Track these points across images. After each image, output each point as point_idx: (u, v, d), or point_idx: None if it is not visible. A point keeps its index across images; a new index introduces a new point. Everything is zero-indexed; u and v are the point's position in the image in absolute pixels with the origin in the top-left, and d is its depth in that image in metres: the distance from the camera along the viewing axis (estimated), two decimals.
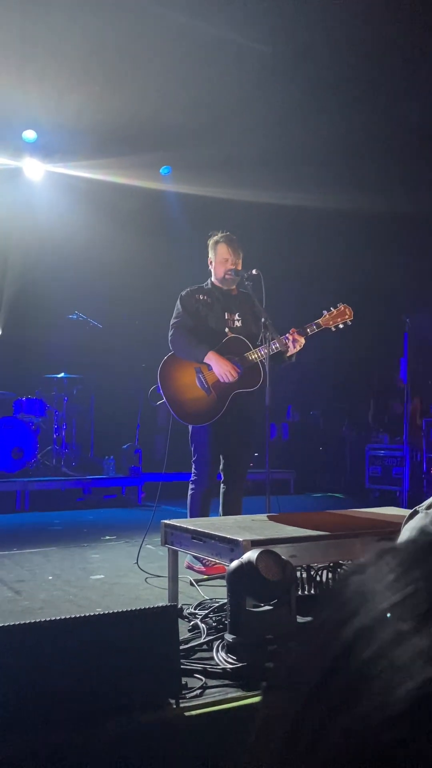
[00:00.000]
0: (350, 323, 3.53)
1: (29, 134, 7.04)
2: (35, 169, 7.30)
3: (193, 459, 3.68)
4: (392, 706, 0.26)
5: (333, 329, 3.54)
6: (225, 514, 3.63)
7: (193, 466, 3.68)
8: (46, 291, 7.25)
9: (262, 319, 3.52)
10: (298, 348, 3.50)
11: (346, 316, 3.53)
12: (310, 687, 0.30)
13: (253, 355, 3.54)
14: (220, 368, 3.49)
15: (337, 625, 0.31)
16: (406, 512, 1.83)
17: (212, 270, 3.75)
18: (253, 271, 3.59)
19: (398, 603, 0.30)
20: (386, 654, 0.28)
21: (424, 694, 0.26)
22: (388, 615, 0.29)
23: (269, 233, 7.32)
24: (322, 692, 0.29)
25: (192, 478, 3.68)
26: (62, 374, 6.96)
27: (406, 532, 1.55)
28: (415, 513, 1.73)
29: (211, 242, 3.74)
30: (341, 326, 3.52)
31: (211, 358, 3.51)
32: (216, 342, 3.59)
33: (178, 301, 3.71)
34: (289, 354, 3.53)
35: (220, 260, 3.67)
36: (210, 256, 3.75)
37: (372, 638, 0.29)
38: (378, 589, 0.31)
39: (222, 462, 3.71)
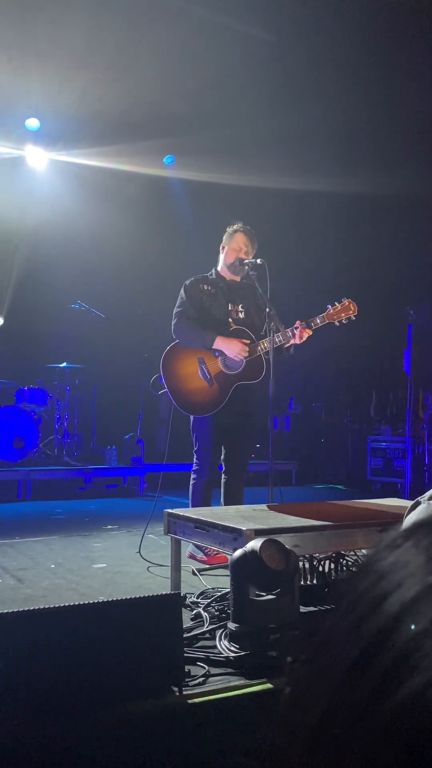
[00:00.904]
0: (354, 318, 3.52)
1: (32, 122, 7.00)
2: (38, 158, 7.26)
3: (195, 449, 3.68)
4: None
5: (337, 324, 3.53)
6: (226, 504, 3.63)
7: (195, 456, 3.68)
8: (48, 280, 7.24)
9: (267, 310, 3.51)
10: (301, 341, 3.48)
11: (351, 312, 3.51)
12: (348, 666, 0.29)
13: (257, 347, 3.53)
14: (232, 349, 3.50)
15: (376, 600, 0.30)
16: (408, 503, 1.83)
17: (222, 257, 3.73)
18: (258, 261, 3.58)
19: None
20: None
21: None
22: None
23: (273, 222, 7.28)
24: (364, 671, 0.28)
25: (194, 468, 3.68)
26: (64, 364, 6.96)
27: (408, 523, 1.55)
28: (418, 504, 1.72)
29: (230, 230, 3.74)
30: (345, 321, 3.51)
31: (220, 342, 3.51)
32: (220, 333, 3.58)
33: (182, 290, 3.69)
34: (287, 346, 3.52)
35: (234, 247, 3.67)
36: (224, 242, 3.73)
37: (421, 612, 0.28)
38: (419, 563, 0.30)
39: (223, 452, 3.71)
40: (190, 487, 3.67)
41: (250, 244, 3.66)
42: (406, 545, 0.32)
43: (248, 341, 3.52)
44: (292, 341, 3.47)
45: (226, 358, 3.57)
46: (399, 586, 0.30)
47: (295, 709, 0.32)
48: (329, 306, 3.53)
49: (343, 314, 3.51)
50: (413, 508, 1.56)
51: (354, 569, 0.34)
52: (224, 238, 3.75)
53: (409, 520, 1.53)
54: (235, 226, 3.73)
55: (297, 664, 0.33)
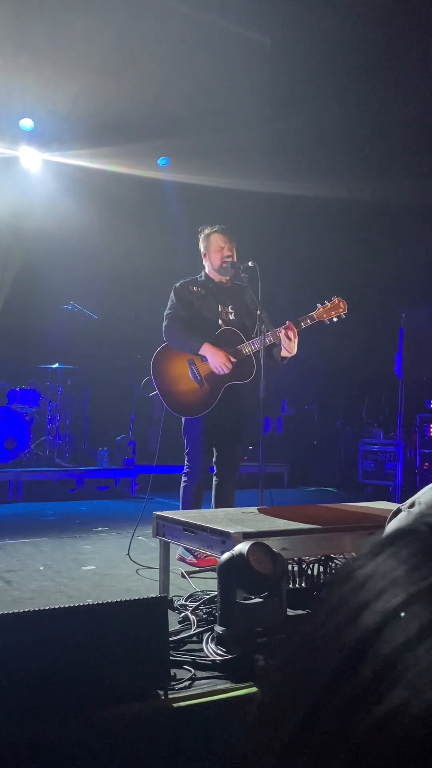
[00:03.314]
0: (344, 317, 3.52)
1: (26, 123, 6.98)
2: (32, 158, 7.24)
3: (186, 451, 3.67)
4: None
5: (327, 322, 3.53)
6: (217, 506, 3.63)
7: (186, 458, 3.67)
8: (41, 281, 7.22)
9: (258, 311, 3.51)
10: (289, 345, 3.46)
11: (341, 310, 3.52)
12: (327, 676, 0.28)
13: (247, 348, 3.53)
14: (215, 360, 3.48)
15: (356, 609, 0.29)
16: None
17: (207, 262, 3.73)
18: (249, 263, 3.58)
19: (428, 588, 0.28)
20: (422, 640, 0.26)
21: None
22: (418, 600, 0.28)
23: (266, 224, 7.31)
24: (343, 682, 0.28)
25: (185, 471, 3.67)
26: (57, 365, 6.94)
27: (390, 531, 1.55)
28: (399, 511, 1.73)
29: (202, 235, 3.72)
30: (335, 319, 3.51)
31: (206, 350, 3.50)
32: (209, 334, 3.58)
33: (172, 293, 3.70)
34: (282, 355, 3.52)
35: (215, 249, 3.66)
36: (202, 248, 3.73)
37: (403, 623, 0.27)
38: (400, 573, 0.30)
39: (215, 455, 3.70)
40: (181, 489, 3.67)
41: (229, 241, 3.64)
42: (385, 554, 0.31)
43: (233, 358, 3.51)
44: (283, 349, 3.46)
45: None
46: (379, 595, 0.29)
47: (269, 716, 0.31)
48: (319, 305, 3.53)
49: (333, 312, 3.51)
50: (394, 515, 1.57)
51: (334, 576, 0.34)
52: (200, 243, 3.73)
53: (390, 528, 1.53)
54: (206, 230, 3.71)
55: (273, 671, 0.33)
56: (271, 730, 0.30)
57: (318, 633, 0.31)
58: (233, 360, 3.50)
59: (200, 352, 3.51)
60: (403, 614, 0.28)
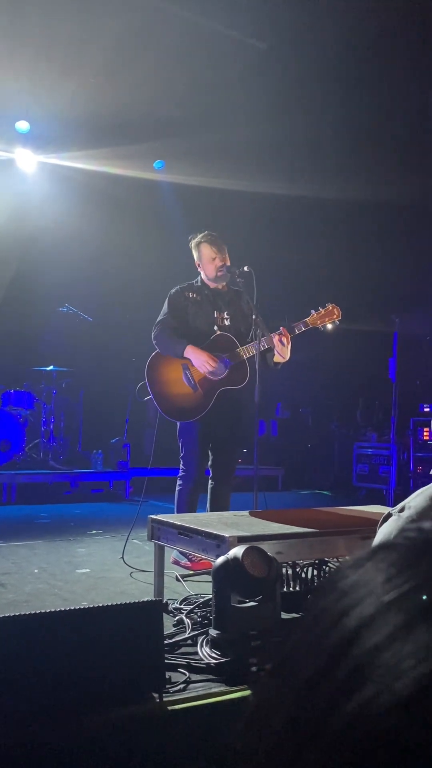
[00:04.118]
0: (338, 323, 3.54)
1: (22, 125, 6.99)
2: (28, 160, 7.24)
3: (181, 455, 3.68)
4: (397, 692, 0.27)
5: (321, 328, 3.54)
6: (213, 510, 3.64)
7: (181, 462, 3.68)
8: (36, 283, 7.21)
9: (253, 316, 3.52)
10: (283, 351, 3.48)
11: (334, 316, 3.53)
12: (310, 676, 0.31)
13: (241, 352, 3.54)
14: (197, 360, 3.51)
15: (338, 616, 0.32)
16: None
17: (201, 271, 3.75)
18: (245, 268, 3.59)
19: (399, 597, 0.31)
20: (391, 644, 0.29)
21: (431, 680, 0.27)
22: (391, 608, 0.30)
23: (260, 228, 7.33)
24: (323, 681, 0.30)
25: (180, 474, 3.68)
26: (51, 367, 6.93)
27: (380, 536, 1.57)
28: (389, 516, 1.74)
29: (192, 245, 3.73)
30: (329, 326, 3.53)
31: (189, 352, 3.52)
32: (204, 340, 3.59)
33: (167, 299, 3.71)
34: (276, 360, 3.54)
35: (207, 260, 3.67)
36: (195, 258, 3.74)
37: (376, 628, 0.30)
38: (378, 582, 0.32)
39: (210, 458, 3.71)
40: (176, 493, 3.67)
41: (218, 249, 3.65)
42: (367, 565, 0.34)
43: (215, 358, 3.52)
44: (277, 355, 3.48)
45: None
46: (358, 603, 0.32)
47: (258, 717, 0.33)
48: (313, 311, 3.55)
49: (327, 318, 3.53)
50: (385, 520, 1.58)
51: (321, 585, 0.36)
52: (193, 254, 3.74)
53: (380, 533, 1.55)
54: (195, 239, 3.71)
55: (262, 674, 0.36)
56: (260, 730, 0.32)
57: (304, 638, 0.33)
58: (220, 360, 3.51)
59: (185, 355, 3.53)
60: (376, 621, 0.30)
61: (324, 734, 0.29)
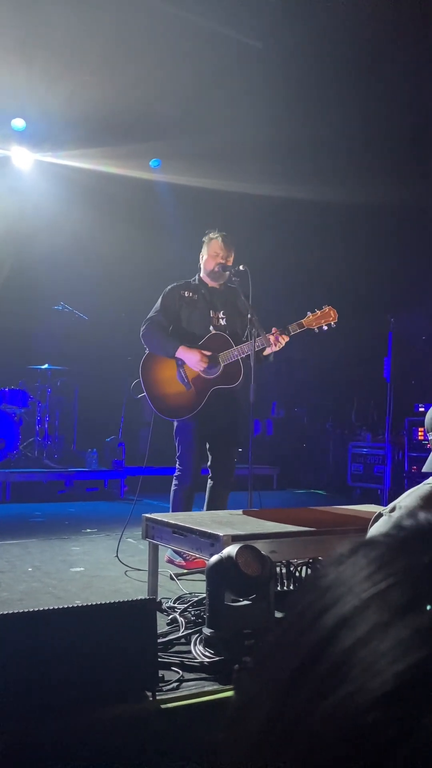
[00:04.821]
0: (334, 325, 3.55)
1: (18, 123, 6.97)
2: (24, 158, 7.22)
3: (177, 455, 3.68)
4: (374, 690, 0.27)
5: (316, 330, 3.55)
6: (210, 508, 3.64)
7: (177, 461, 3.68)
8: (32, 281, 7.19)
9: (248, 315, 3.53)
10: (279, 348, 3.50)
11: (331, 318, 3.54)
12: (289, 674, 0.31)
13: (235, 352, 3.54)
14: (190, 359, 3.51)
15: (316, 614, 0.32)
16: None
17: (202, 265, 3.75)
18: (240, 267, 3.60)
19: (377, 594, 0.31)
20: (368, 641, 0.29)
21: (408, 678, 0.27)
22: (369, 605, 0.30)
23: (255, 228, 7.33)
24: (302, 679, 0.30)
25: (176, 474, 3.68)
26: (46, 365, 6.92)
27: (370, 536, 1.58)
28: (380, 516, 1.75)
29: (206, 239, 3.77)
30: (325, 328, 3.54)
31: (182, 352, 3.52)
32: (199, 339, 3.60)
33: (161, 296, 3.72)
34: (266, 353, 3.54)
35: (212, 254, 3.69)
36: (203, 250, 3.76)
37: (353, 626, 0.30)
38: (356, 580, 0.32)
39: (210, 457, 3.71)
40: (172, 492, 3.67)
41: (226, 249, 3.68)
42: (347, 563, 0.34)
43: (209, 353, 3.53)
44: (269, 348, 3.50)
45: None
46: (337, 601, 0.32)
47: (239, 715, 0.34)
48: (309, 312, 3.56)
49: (323, 321, 3.54)
50: (376, 520, 1.59)
51: (301, 584, 0.36)
52: (203, 247, 3.77)
53: (371, 533, 1.55)
54: (211, 234, 3.75)
55: (244, 672, 0.36)
56: (241, 728, 0.33)
57: (284, 636, 0.34)
58: (209, 355, 3.51)
59: (176, 355, 3.53)
60: (354, 618, 0.30)
61: (302, 732, 0.29)
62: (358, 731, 0.27)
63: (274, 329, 3.48)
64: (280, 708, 0.31)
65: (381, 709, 0.27)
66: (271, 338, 3.45)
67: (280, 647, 0.33)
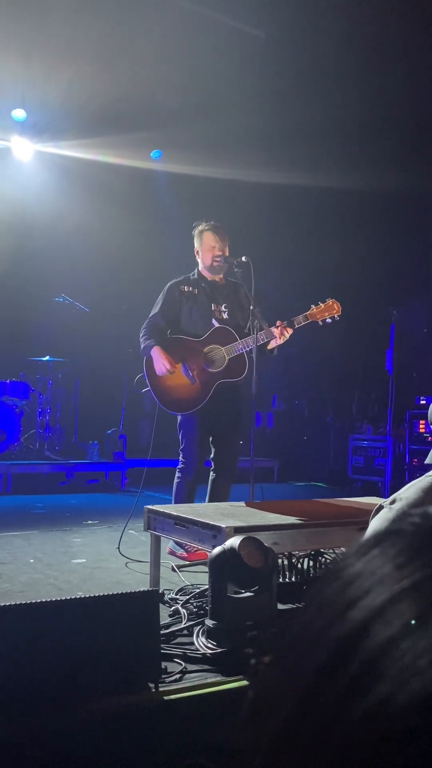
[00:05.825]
0: (338, 318, 3.53)
1: (18, 113, 6.93)
2: (24, 149, 7.19)
3: (181, 447, 3.67)
4: (416, 690, 0.26)
5: (320, 323, 3.54)
6: (212, 500, 3.63)
7: (181, 454, 3.68)
8: (32, 273, 7.17)
9: (251, 307, 3.51)
10: (283, 341, 3.49)
11: (334, 311, 3.53)
12: (315, 670, 0.29)
13: (239, 346, 3.53)
14: (156, 365, 3.52)
15: (344, 607, 0.30)
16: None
17: (199, 260, 3.73)
18: (243, 258, 3.57)
19: (411, 587, 0.29)
20: (405, 637, 0.27)
21: None
22: (402, 598, 0.29)
23: (258, 219, 7.30)
24: (332, 676, 0.28)
25: (179, 467, 3.68)
26: (47, 357, 6.91)
27: (372, 528, 1.57)
28: (381, 508, 1.74)
29: (196, 232, 3.71)
30: (329, 321, 3.53)
31: (155, 352, 3.52)
32: (202, 334, 3.58)
33: (161, 294, 3.70)
34: (270, 347, 3.53)
35: (206, 248, 3.65)
36: (196, 245, 3.72)
37: (388, 620, 0.28)
38: (386, 571, 0.30)
39: (212, 450, 3.71)
40: (174, 485, 3.67)
41: (220, 239, 3.63)
42: (372, 553, 0.32)
43: (177, 363, 3.53)
44: (273, 341, 3.48)
45: (207, 355, 3.58)
46: (366, 593, 0.30)
47: (260, 711, 0.32)
48: (313, 305, 3.54)
49: (326, 314, 3.52)
50: (377, 512, 1.58)
51: (324, 574, 0.34)
52: (195, 240, 3.72)
53: (372, 525, 1.55)
54: (200, 227, 3.70)
55: (263, 666, 0.34)
56: (262, 725, 0.31)
57: (307, 629, 0.32)
58: (172, 365, 3.50)
59: (151, 354, 3.54)
60: (388, 611, 0.28)
61: (333, 732, 0.27)
62: (397, 735, 0.25)
63: (278, 322, 3.47)
64: (304, 708, 0.29)
65: (424, 711, 0.25)
66: (276, 331, 3.44)
67: (303, 641, 0.32)
